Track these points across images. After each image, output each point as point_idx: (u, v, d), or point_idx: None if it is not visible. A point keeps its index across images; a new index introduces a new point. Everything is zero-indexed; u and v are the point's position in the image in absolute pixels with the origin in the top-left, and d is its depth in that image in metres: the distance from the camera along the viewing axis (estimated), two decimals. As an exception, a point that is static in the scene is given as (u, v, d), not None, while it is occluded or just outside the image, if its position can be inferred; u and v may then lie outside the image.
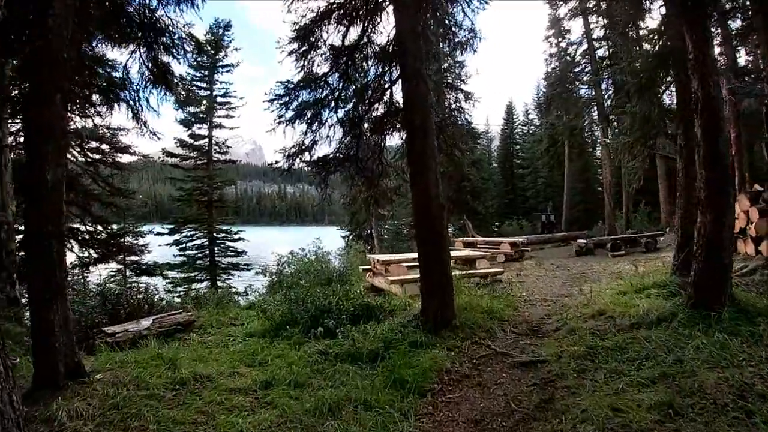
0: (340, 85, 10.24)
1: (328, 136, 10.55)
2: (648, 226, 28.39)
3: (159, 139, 10.89)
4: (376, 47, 10.11)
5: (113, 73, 9.01)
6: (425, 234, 8.08)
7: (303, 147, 10.39)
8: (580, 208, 38.88)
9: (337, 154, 10.51)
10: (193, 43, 8.67)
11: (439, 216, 8.00)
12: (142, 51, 8.14)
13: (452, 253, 13.67)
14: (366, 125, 10.63)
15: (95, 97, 9.48)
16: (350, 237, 42.25)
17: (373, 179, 11.10)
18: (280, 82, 10.14)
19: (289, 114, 10.18)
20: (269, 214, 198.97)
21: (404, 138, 9.46)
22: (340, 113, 10.48)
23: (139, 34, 7.96)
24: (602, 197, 38.15)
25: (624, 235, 20.44)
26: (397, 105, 10.11)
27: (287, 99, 10.15)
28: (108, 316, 9.28)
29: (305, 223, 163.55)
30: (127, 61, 8.35)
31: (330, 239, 40.92)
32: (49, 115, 4.87)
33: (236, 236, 30.21)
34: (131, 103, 8.84)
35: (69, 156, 16.24)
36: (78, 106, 10.24)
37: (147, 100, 9.02)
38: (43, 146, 4.82)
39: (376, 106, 10.46)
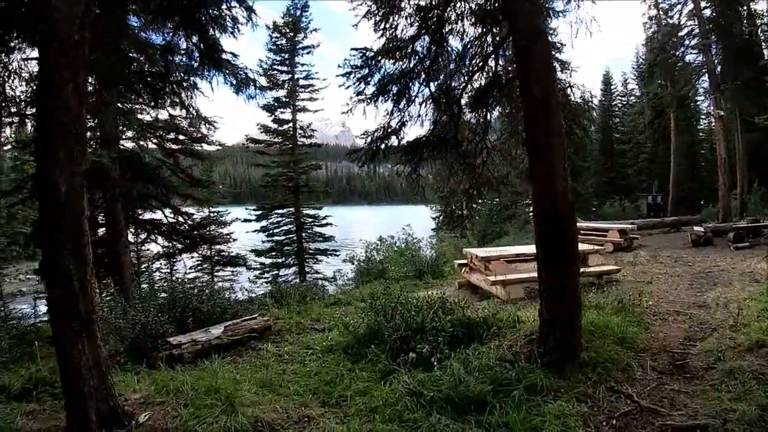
0: (431, 52, 8.35)
1: (419, 116, 8.78)
2: (765, 210, 25.66)
3: (215, 128, 9.90)
4: (473, 3, 8.13)
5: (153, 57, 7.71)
6: (549, 243, 6.13)
7: (389, 130, 8.67)
8: (686, 188, 35.88)
9: (431, 137, 8.73)
10: (246, 13, 7.40)
11: (567, 216, 6.01)
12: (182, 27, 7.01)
13: None
14: (464, 101, 8.76)
15: (139, 86, 8.39)
16: (440, 218, 41.10)
17: (475, 166, 9.16)
18: (356, 50, 8.35)
19: (370, 89, 8.49)
20: (359, 194, 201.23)
21: (514, 113, 7.85)
22: (432, 87, 8.66)
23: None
24: (710, 176, 35.30)
25: (747, 224, 17.94)
26: (503, 74, 8.38)
27: (366, 71, 8.40)
28: (176, 323, 8.40)
29: (394, 203, 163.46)
30: (169, 39, 7.22)
31: (420, 219, 40.24)
32: (59, 109, 3.85)
33: (324, 221, 29.66)
34: (174, 87, 7.79)
35: (151, 145, 16.08)
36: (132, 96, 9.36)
37: (195, 85, 7.98)
38: (54, 149, 3.82)
39: (477, 76, 8.53)
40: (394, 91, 8.47)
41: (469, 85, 8.62)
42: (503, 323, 7.42)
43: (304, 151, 29.79)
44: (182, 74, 7.73)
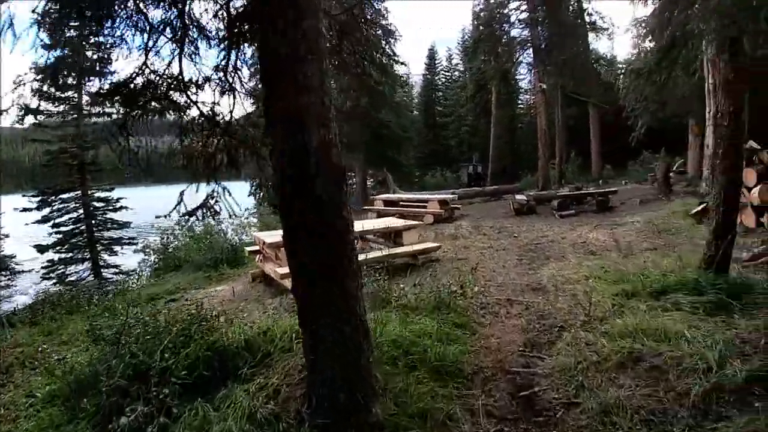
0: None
1: (125, 44, 5.12)
2: (582, 179, 26.16)
3: None
4: None
5: None
6: (301, 241, 3.64)
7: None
8: (506, 159, 36.49)
9: (150, 76, 5.07)
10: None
11: (333, 198, 3.54)
12: None
13: (367, 225, 9.99)
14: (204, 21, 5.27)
15: None
16: (260, 194, 38.03)
17: (216, 120, 5.40)
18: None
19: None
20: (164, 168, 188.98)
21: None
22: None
23: None
24: (529, 147, 36.34)
25: (571, 192, 17.20)
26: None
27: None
28: None
29: (230, 179, 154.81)
30: None
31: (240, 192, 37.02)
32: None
33: (117, 204, 25.41)
34: None
35: None
36: None
37: None
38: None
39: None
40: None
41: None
42: (276, 345, 4.87)
43: (93, 122, 25.15)
44: None
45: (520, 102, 45.79)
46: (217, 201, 5.24)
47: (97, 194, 24.97)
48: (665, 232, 10.30)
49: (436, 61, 49.83)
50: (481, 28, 29.60)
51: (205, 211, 5.31)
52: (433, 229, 13.98)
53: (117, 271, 23.09)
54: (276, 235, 8.90)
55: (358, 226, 9.57)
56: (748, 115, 6.18)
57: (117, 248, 24.72)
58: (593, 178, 27.84)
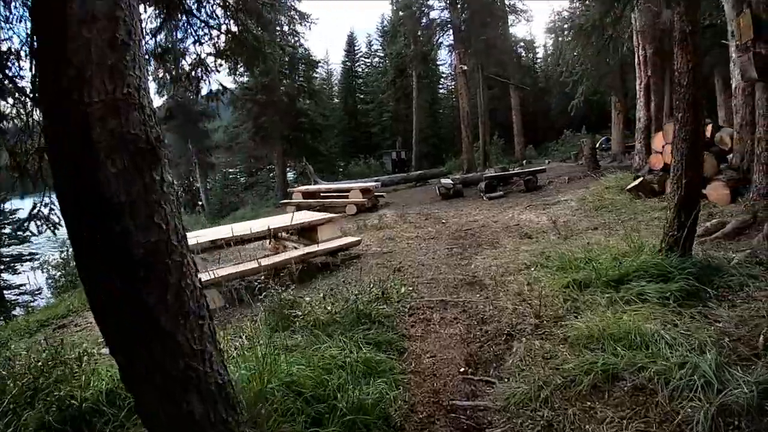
0: None
1: None
2: (505, 161, 25.76)
3: None
4: None
5: None
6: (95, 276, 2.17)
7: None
8: (430, 143, 36.10)
9: None
10: None
11: (134, 201, 2.09)
12: None
13: (276, 222, 8.79)
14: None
15: None
16: (177, 193, 35.93)
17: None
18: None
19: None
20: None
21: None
22: None
23: None
24: (451, 131, 35.94)
25: (497, 173, 16.43)
26: None
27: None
28: None
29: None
30: None
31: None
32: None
33: (13, 216, 22.93)
34: None
35: None
36: None
37: None
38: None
39: None
40: None
41: None
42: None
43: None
44: None
45: (441, 86, 45.39)
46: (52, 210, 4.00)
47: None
48: (603, 210, 9.53)
49: (356, 48, 48.68)
50: (400, 13, 29.38)
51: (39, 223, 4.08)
52: (356, 220, 12.93)
53: (21, 291, 20.93)
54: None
55: (263, 225, 8.39)
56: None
57: (18, 266, 22.26)
58: (516, 159, 27.58)
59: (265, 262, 7.02)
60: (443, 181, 16.33)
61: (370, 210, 14.90)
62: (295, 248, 8.65)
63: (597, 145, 20.82)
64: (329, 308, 4.77)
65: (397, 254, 8.20)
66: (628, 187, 10.19)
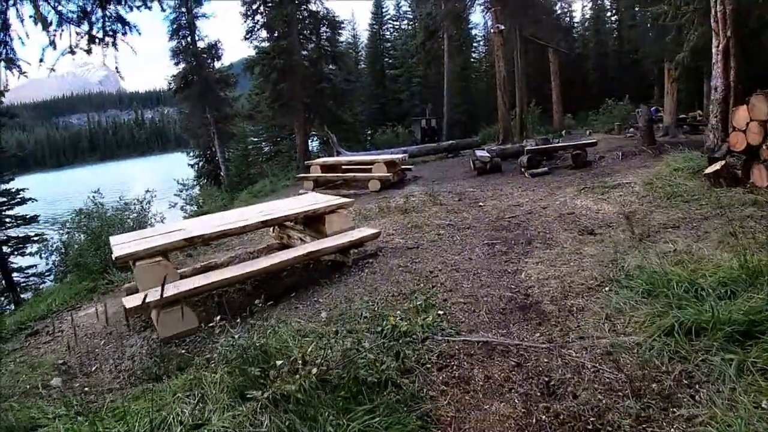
0: None
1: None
2: (542, 131, 23.88)
3: None
4: None
5: None
6: None
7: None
8: (461, 111, 34.19)
9: None
10: None
11: None
12: None
13: (279, 208, 7.13)
14: None
15: None
16: (200, 164, 34.89)
17: None
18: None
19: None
20: (127, 146, 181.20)
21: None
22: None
23: None
24: (483, 97, 34.08)
25: (538, 145, 14.52)
26: None
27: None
28: None
29: (167, 151, 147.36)
30: None
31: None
32: None
33: (20, 196, 22.07)
34: None
35: None
36: None
37: None
38: None
39: None
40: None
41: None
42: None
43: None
44: None
45: (473, 51, 43.27)
46: None
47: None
48: (677, 199, 7.61)
49: (383, 10, 46.59)
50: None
51: None
52: (378, 199, 11.33)
53: (31, 273, 20.12)
54: (136, 238, 6.09)
55: (258, 212, 6.80)
56: None
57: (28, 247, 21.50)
58: (555, 129, 25.60)
59: (251, 268, 5.45)
60: (478, 153, 14.49)
61: (396, 186, 13.29)
62: (301, 239, 7.11)
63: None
64: (318, 360, 3.14)
65: (424, 251, 6.56)
66: (707, 171, 8.26)
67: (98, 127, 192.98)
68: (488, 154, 13.91)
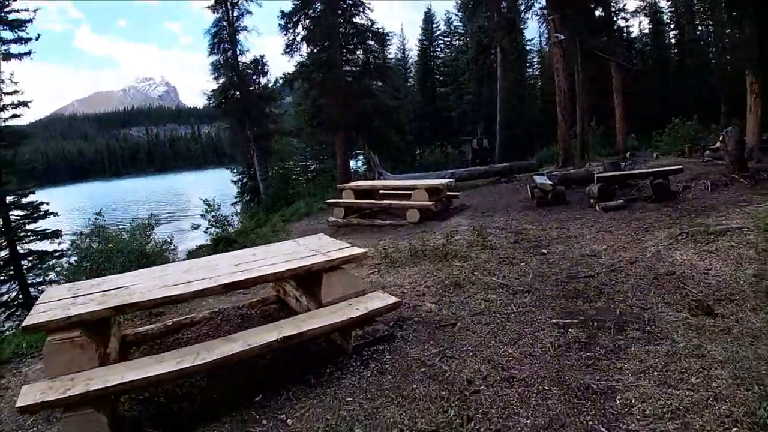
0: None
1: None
2: (604, 152, 21.63)
3: None
4: None
5: None
6: None
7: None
8: (516, 130, 32.03)
9: None
10: None
11: None
12: None
13: (256, 266, 4.92)
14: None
15: None
16: (243, 180, 33.99)
17: None
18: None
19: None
20: (184, 159, 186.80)
21: None
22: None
23: None
24: (540, 117, 31.98)
25: (607, 171, 12.23)
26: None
27: None
28: None
29: (222, 165, 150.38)
30: None
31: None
32: None
33: (42, 210, 21.16)
34: None
35: None
36: None
37: None
38: None
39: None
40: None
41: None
42: None
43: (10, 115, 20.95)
44: None
45: (528, 65, 41.15)
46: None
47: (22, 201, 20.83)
48: None
49: (434, 25, 45.10)
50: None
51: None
52: (414, 235, 9.34)
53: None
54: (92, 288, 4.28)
55: (224, 263, 4.92)
56: None
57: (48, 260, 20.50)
58: (618, 151, 23.26)
59: (207, 357, 3.52)
60: (537, 179, 12.22)
61: (439, 216, 11.31)
62: (296, 299, 5.21)
63: (721, 138, 16.00)
64: None
65: (463, 333, 4.49)
66: None
67: (156, 140, 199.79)
68: (549, 181, 11.66)
